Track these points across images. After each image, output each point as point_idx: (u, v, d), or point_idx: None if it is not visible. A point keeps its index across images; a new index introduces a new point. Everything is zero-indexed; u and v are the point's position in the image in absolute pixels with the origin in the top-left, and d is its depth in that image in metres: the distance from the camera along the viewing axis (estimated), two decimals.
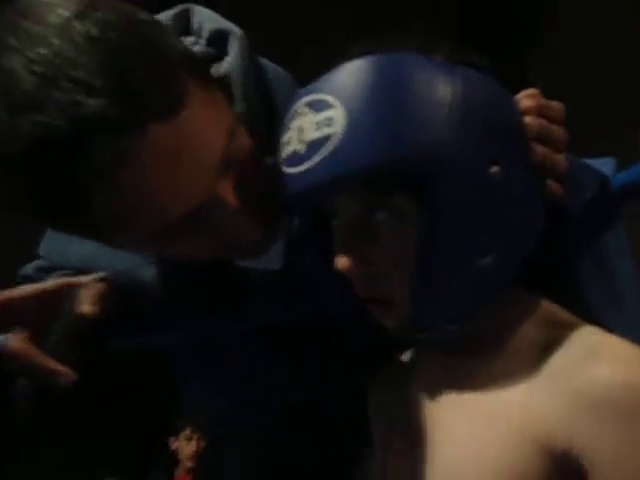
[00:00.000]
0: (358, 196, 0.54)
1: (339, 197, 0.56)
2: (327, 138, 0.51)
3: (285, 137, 0.56)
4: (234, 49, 0.67)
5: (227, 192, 0.58)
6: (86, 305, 0.64)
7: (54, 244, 0.80)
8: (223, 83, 0.64)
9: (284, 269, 0.67)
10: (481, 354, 0.58)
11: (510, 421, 0.53)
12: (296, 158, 0.54)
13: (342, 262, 0.55)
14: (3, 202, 0.56)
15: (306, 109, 0.54)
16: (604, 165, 0.67)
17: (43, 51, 0.50)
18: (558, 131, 0.57)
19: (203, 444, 0.92)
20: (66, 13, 0.51)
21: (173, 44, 0.57)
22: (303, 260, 0.65)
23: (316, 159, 0.52)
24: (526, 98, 0.57)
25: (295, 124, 0.55)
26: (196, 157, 0.55)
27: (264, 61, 0.72)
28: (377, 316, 0.58)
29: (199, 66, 0.59)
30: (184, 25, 0.69)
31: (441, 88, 0.51)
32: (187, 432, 1.33)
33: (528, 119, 0.55)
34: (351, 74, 0.52)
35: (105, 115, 0.50)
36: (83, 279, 0.68)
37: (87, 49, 0.50)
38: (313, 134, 0.52)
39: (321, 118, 0.52)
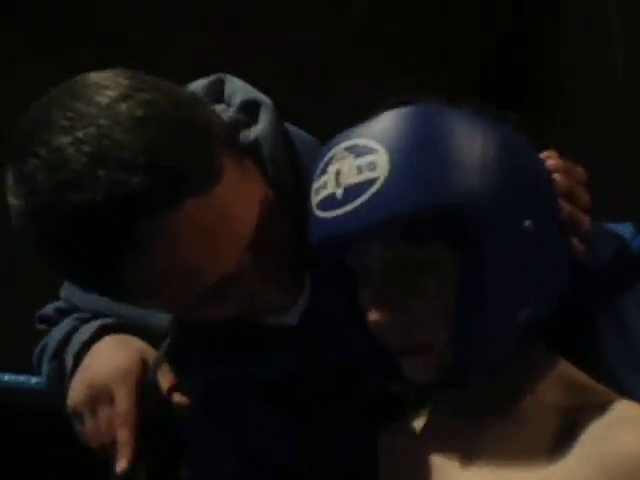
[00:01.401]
0: (395, 247, 0.54)
1: (375, 247, 0.55)
2: (370, 182, 0.52)
3: (320, 181, 0.56)
4: (265, 117, 0.68)
5: (253, 257, 0.60)
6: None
7: (74, 287, 0.80)
8: (253, 149, 0.66)
9: (301, 323, 0.67)
10: (497, 416, 0.57)
11: None
12: (333, 202, 0.54)
13: (375, 316, 0.54)
14: (41, 263, 0.58)
15: (346, 153, 0.54)
16: (623, 228, 0.70)
17: (91, 131, 0.53)
18: (583, 191, 0.60)
19: None
20: (113, 94, 0.55)
21: (211, 118, 0.60)
22: (321, 313, 0.64)
23: (357, 202, 0.52)
24: (552, 157, 0.59)
25: (333, 168, 0.55)
26: (230, 229, 0.58)
27: (293, 128, 0.74)
28: (406, 366, 0.57)
29: (232, 137, 0.62)
30: (217, 94, 0.71)
31: (480, 142, 0.53)
32: None
33: (557, 176, 0.58)
34: (393, 121, 0.53)
35: (146, 194, 0.53)
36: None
37: (132, 129, 0.53)
38: (353, 178, 0.53)
39: (364, 162, 0.53)
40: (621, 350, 0.65)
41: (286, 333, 0.67)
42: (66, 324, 0.82)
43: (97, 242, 0.54)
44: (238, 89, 0.71)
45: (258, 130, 0.67)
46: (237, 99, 0.70)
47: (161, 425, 0.73)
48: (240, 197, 0.58)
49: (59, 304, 0.85)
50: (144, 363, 0.72)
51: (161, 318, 0.71)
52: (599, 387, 0.56)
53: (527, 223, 0.53)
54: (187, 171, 0.55)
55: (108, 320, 0.78)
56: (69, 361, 0.77)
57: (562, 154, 0.61)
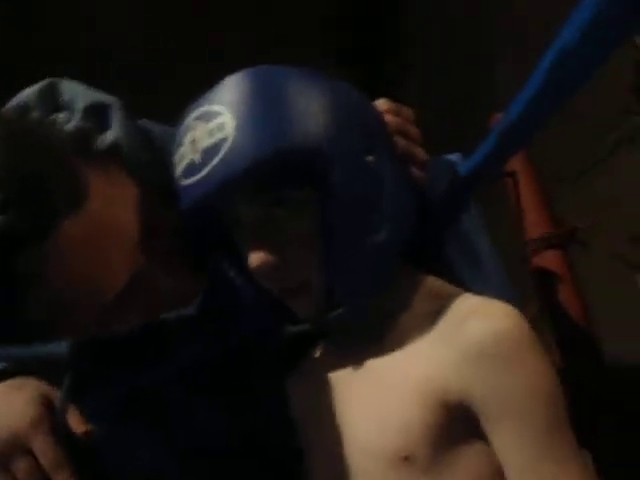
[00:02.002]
0: (257, 195, 0.59)
1: (241, 200, 0.59)
2: (221, 141, 0.56)
3: (179, 153, 0.60)
4: (116, 118, 0.68)
5: (146, 255, 0.61)
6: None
7: None
8: (113, 153, 0.65)
9: (200, 310, 0.68)
10: (381, 333, 0.64)
11: (409, 385, 0.59)
12: (193, 168, 0.58)
13: (255, 257, 0.59)
14: None
15: (196, 122, 0.59)
16: (454, 158, 0.79)
17: None
18: (412, 128, 0.68)
19: None
20: None
21: (59, 135, 0.59)
22: (216, 292, 0.67)
23: (214, 162, 0.56)
24: (382, 102, 0.67)
25: (188, 138, 0.59)
26: (112, 235, 0.59)
27: (148, 123, 0.74)
28: (293, 306, 0.62)
29: (86, 146, 0.61)
30: (53, 101, 0.69)
31: (314, 93, 0.59)
32: None
33: (387, 117, 0.65)
34: (234, 84, 0.58)
35: (15, 231, 0.53)
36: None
37: None
38: (207, 141, 0.57)
39: (213, 126, 0.57)
40: (467, 267, 0.75)
41: (188, 323, 0.68)
42: None
43: None
44: (77, 93, 0.70)
45: (114, 133, 0.67)
46: (79, 105, 0.69)
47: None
48: (113, 203, 0.59)
49: None
50: (49, 405, 0.69)
51: (47, 347, 0.68)
52: (459, 291, 0.64)
53: (368, 158, 0.60)
54: (51, 198, 0.54)
55: None
56: None
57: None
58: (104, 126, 0.68)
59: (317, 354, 0.70)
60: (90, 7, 2.29)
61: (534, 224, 0.96)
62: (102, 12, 2.27)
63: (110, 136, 0.67)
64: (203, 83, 0.61)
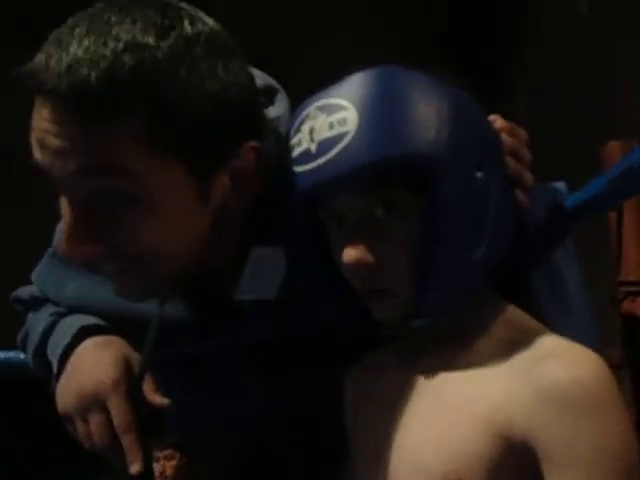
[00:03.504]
0: (364, 193, 0.60)
1: (346, 195, 0.61)
2: (341, 136, 0.57)
3: (295, 139, 0.61)
4: (283, 102, 0.73)
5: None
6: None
7: (49, 280, 0.84)
8: (267, 131, 0.69)
9: (279, 297, 0.70)
10: (452, 350, 0.63)
11: (472, 410, 0.58)
12: (308, 156, 0.59)
13: (351, 253, 0.59)
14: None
15: (318, 112, 0.60)
16: (558, 187, 0.76)
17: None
18: (525, 150, 0.67)
19: (184, 462, 0.94)
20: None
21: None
22: (300, 283, 0.68)
23: (329, 155, 0.58)
24: (497, 120, 0.66)
25: (306, 126, 0.60)
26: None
27: None
28: (375, 308, 0.62)
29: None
30: None
31: (437, 100, 0.59)
32: (168, 452, 1.31)
33: (504, 136, 0.65)
34: (361, 81, 0.59)
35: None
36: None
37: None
38: (326, 133, 0.58)
39: (335, 119, 0.58)
40: (550, 298, 0.72)
41: (262, 306, 0.71)
42: (43, 318, 0.84)
43: None
44: (257, 74, 0.73)
45: (277, 111, 0.71)
46: (260, 82, 0.72)
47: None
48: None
49: (34, 291, 0.87)
50: (129, 368, 0.75)
51: (137, 306, 0.73)
52: (541, 327, 0.63)
53: (478, 174, 0.60)
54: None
55: (87, 320, 0.80)
56: (53, 362, 0.80)
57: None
58: (270, 104, 0.73)
59: (382, 356, 0.70)
60: None
61: (633, 265, 0.90)
62: None
63: (273, 112, 0.71)
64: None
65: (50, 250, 0.84)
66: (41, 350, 0.83)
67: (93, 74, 0.57)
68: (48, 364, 0.81)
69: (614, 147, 0.91)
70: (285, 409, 0.76)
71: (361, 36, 2.45)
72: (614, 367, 0.89)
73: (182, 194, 0.63)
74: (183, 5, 0.64)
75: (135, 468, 0.70)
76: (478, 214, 0.60)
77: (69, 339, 0.78)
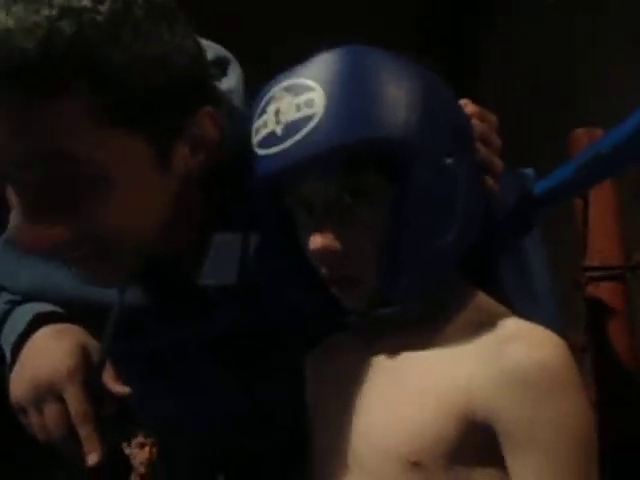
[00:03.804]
0: (332, 178, 0.58)
1: (313, 180, 0.59)
2: (308, 118, 0.55)
3: (260, 121, 0.59)
4: (235, 73, 0.71)
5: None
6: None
7: (3, 269, 0.80)
8: (219, 102, 0.66)
9: (239, 283, 0.69)
10: (415, 333, 0.63)
11: (435, 392, 0.58)
12: (273, 139, 0.57)
13: (318, 240, 0.58)
14: None
15: (284, 93, 0.57)
16: (526, 173, 0.76)
17: None
18: (495, 136, 0.66)
19: (155, 450, 0.93)
20: None
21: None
22: (262, 268, 0.67)
23: (296, 138, 0.55)
24: (467, 105, 0.65)
25: (272, 108, 0.58)
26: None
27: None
28: (342, 296, 0.61)
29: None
30: None
31: (410, 83, 0.57)
32: (140, 439, 1.33)
33: (474, 121, 0.64)
34: (328, 61, 0.57)
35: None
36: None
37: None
38: (292, 115, 0.56)
39: (302, 100, 0.56)
40: (518, 286, 0.73)
41: (225, 292, 0.69)
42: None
43: None
44: (208, 46, 0.71)
45: (229, 83, 0.69)
46: (210, 55, 0.70)
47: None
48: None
49: None
50: (87, 357, 0.72)
51: (95, 293, 0.71)
52: (507, 311, 0.63)
53: (448, 160, 0.59)
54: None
55: (43, 307, 0.77)
56: (6, 351, 0.77)
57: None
58: (223, 75, 0.70)
59: (342, 337, 0.69)
60: None
61: (597, 251, 0.92)
62: None
63: (225, 84, 0.69)
64: None
65: (1, 237, 0.81)
66: None
67: (29, 45, 0.52)
68: (2, 354, 0.78)
69: (580, 134, 0.92)
70: (251, 401, 0.75)
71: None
72: (578, 350, 0.91)
73: (141, 167, 0.60)
74: None
75: (93, 459, 0.68)
76: (448, 200, 0.59)
77: (24, 327, 0.75)
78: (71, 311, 0.77)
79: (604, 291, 0.89)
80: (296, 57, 0.59)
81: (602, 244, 0.91)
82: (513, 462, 0.56)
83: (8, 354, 0.76)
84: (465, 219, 0.60)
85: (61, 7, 0.53)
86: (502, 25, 2.39)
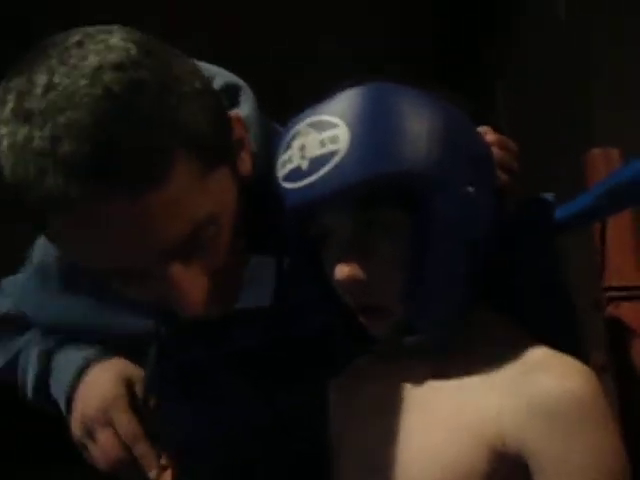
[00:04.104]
0: (355, 211, 0.60)
1: (337, 213, 0.60)
2: (332, 154, 0.57)
3: (285, 156, 0.61)
4: (246, 100, 0.71)
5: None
6: None
7: (29, 298, 0.83)
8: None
9: (272, 305, 0.71)
10: (445, 364, 0.63)
11: (464, 422, 0.59)
12: (299, 174, 0.59)
13: (342, 270, 0.59)
14: None
15: (309, 129, 0.59)
16: (546, 197, 0.77)
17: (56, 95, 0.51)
18: (515, 164, 0.68)
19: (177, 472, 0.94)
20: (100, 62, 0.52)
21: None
22: (293, 292, 0.69)
23: (321, 172, 0.57)
24: (489, 132, 0.67)
25: (297, 143, 0.60)
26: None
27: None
28: (369, 325, 0.63)
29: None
30: None
31: (429, 117, 0.59)
32: (163, 460, 1.33)
33: (495, 149, 0.65)
34: (352, 98, 0.59)
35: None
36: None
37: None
38: (317, 151, 0.58)
39: (326, 136, 0.58)
40: (540, 309, 0.71)
41: (258, 313, 0.71)
42: (34, 357, 0.83)
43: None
44: (215, 73, 0.72)
45: (243, 111, 0.69)
46: (219, 82, 0.71)
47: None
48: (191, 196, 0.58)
49: (5, 309, 0.86)
50: (130, 386, 0.77)
51: (121, 321, 0.74)
52: (529, 338, 0.63)
53: (470, 189, 0.60)
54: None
55: (82, 350, 0.80)
56: (60, 402, 0.80)
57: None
58: (233, 104, 0.71)
59: (368, 364, 0.70)
60: None
61: (617, 271, 0.92)
62: None
63: (239, 113, 0.69)
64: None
65: (30, 267, 0.83)
66: (40, 390, 0.83)
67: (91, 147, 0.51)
68: (53, 402, 0.82)
69: (596, 155, 0.93)
70: (272, 411, 0.76)
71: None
72: (599, 369, 0.91)
73: (232, 191, 0.63)
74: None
75: (152, 475, 0.71)
76: (469, 229, 0.60)
77: (73, 375, 0.79)
78: (97, 339, 0.80)
79: (624, 311, 0.90)
80: (313, 92, 0.61)
81: (620, 263, 0.92)
82: None
83: (63, 405, 0.80)
84: (485, 246, 0.62)
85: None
86: (517, 42, 2.40)
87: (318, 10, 2.51)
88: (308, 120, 0.60)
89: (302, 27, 2.53)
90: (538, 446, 0.56)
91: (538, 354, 0.60)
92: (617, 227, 0.92)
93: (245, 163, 0.66)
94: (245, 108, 0.71)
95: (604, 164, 0.90)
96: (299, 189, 0.59)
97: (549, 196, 0.76)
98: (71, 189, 0.51)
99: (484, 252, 0.62)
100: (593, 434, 0.55)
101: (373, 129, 0.57)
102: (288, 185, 0.60)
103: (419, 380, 0.64)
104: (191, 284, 0.60)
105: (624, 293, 0.90)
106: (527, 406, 0.56)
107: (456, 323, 0.63)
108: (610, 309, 0.91)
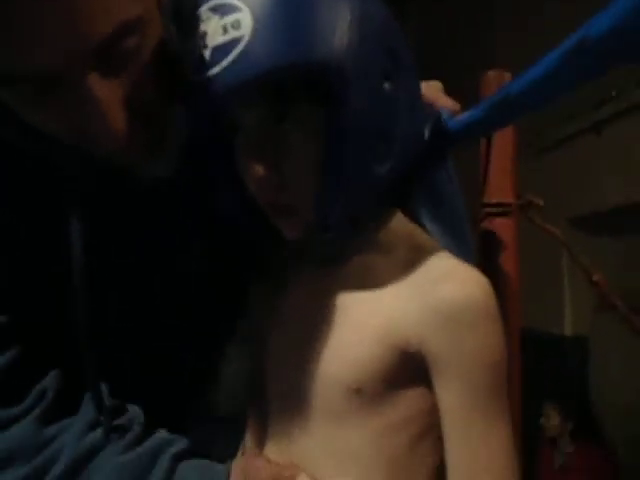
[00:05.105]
0: (263, 105, 0.56)
1: (246, 108, 0.57)
2: (234, 41, 0.52)
3: (190, 43, 0.55)
4: None
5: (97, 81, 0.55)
6: None
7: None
8: None
9: (176, 179, 0.67)
10: (354, 266, 0.65)
11: (374, 325, 0.61)
12: (203, 64, 0.54)
13: (255, 169, 0.56)
14: None
15: (210, 13, 0.54)
16: (442, 110, 0.79)
17: None
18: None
19: None
20: None
21: None
22: (198, 169, 0.65)
23: (224, 63, 0.52)
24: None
25: (199, 30, 0.54)
26: None
27: None
28: (280, 225, 0.61)
29: None
30: None
31: (343, 4, 0.55)
32: None
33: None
34: None
35: None
36: None
37: None
38: (219, 38, 0.53)
39: (227, 21, 0.52)
40: (435, 215, 0.75)
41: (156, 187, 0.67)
42: None
43: None
44: None
45: None
46: None
47: None
48: None
49: None
50: None
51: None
52: (436, 245, 0.66)
53: (386, 84, 0.57)
54: None
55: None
56: None
57: None
58: None
59: (286, 272, 0.71)
60: None
61: (496, 188, 0.98)
62: None
63: None
64: None
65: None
66: None
67: None
68: None
69: (491, 77, 0.97)
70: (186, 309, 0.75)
71: None
72: None
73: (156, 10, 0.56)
74: None
75: None
76: (386, 126, 0.58)
77: None
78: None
79: (497, 225, 0.98)
80: None
81: (498, 183, 0.98)
82: (439, 387, 0.61)
83: None
84: (403, 147, 0.60)
85: None
86: None
87: None
88: (209, 4, 0.55)
89: None
90: (437, 346, 0.60)
91: (445, 263, 0.62)
92: (499, 152, 0.98)
93: None
94: None
95: (497, 86, 0.94)
96: (202, 82, 0.54)
97: (442, 109, 0.79)
98: None
99: (403, 153, 0.61)
100: (484, 336, 0.59)
101: (279, 13, 0.52)
102: (193, 77, 0.55)
103: (334, 286, 0.65)
104: (108, 99, 0.55)
105: (499, 209, 0.97)
106: (430, 311, 0.59)
107: (362, 221, 0.63)
108: (484, 224, 0.98)
